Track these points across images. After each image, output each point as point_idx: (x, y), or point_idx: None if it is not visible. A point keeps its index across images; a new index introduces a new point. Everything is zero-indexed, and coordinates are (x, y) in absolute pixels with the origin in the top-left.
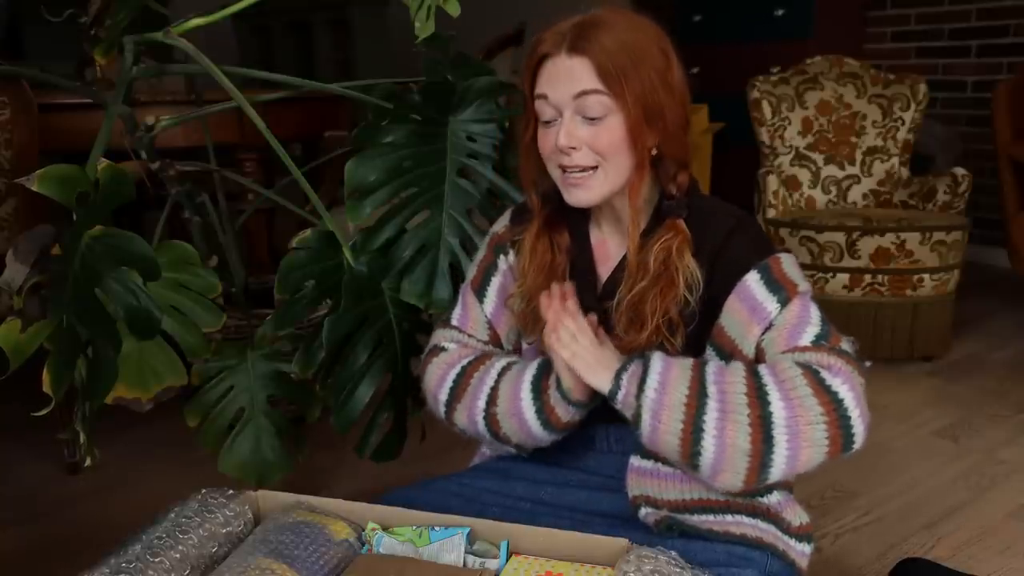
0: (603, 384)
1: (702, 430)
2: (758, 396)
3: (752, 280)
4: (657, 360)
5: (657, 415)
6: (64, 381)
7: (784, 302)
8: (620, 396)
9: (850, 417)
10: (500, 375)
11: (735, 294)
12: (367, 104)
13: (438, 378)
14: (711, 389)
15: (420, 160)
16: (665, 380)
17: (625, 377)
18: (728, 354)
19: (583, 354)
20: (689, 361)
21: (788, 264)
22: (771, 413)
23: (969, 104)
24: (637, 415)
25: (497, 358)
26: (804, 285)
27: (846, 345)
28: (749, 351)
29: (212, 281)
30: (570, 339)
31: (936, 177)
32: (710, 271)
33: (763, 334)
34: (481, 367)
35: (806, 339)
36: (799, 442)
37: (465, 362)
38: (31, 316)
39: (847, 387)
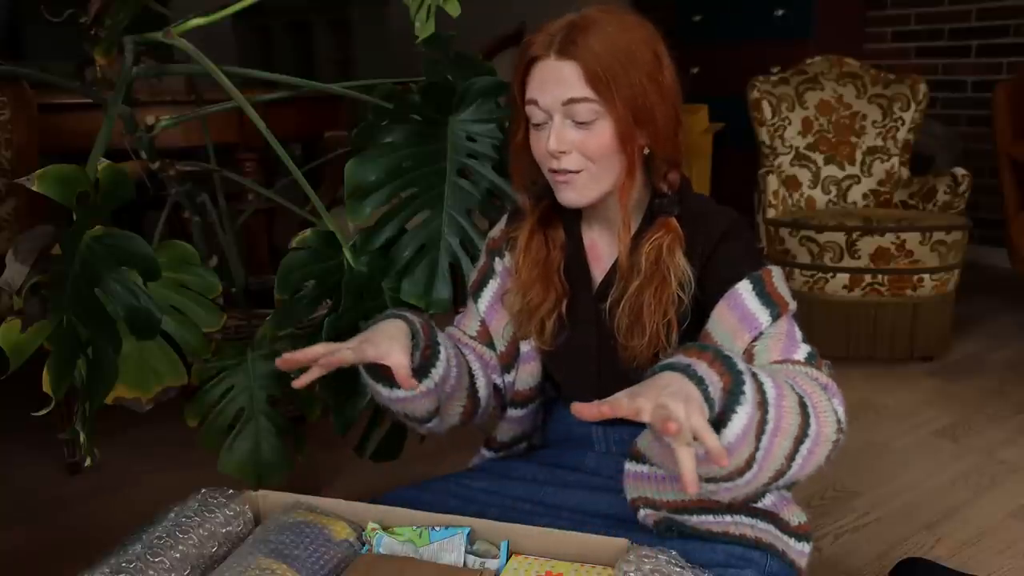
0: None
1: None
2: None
3: (744, 289)
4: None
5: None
6: (64, 381)
7: (776, 317)
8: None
9: (840, 440)
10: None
11: (724, 301)
12: (367, 104)
13: None
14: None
15: (420, 160)
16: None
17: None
18: None
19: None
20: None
21: (778, 279)
22: (809, 425)
23: (969, 104)
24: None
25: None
26: (792, 304)
27: (826, 370)
28: None
29: (212, 281)
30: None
31: (936, 177)
32: (701, 272)
33: (753, 341)
34: None
35: (800, 355)
36: (815, 456)
37: None
38: (31, 316)
39: (842, 409)
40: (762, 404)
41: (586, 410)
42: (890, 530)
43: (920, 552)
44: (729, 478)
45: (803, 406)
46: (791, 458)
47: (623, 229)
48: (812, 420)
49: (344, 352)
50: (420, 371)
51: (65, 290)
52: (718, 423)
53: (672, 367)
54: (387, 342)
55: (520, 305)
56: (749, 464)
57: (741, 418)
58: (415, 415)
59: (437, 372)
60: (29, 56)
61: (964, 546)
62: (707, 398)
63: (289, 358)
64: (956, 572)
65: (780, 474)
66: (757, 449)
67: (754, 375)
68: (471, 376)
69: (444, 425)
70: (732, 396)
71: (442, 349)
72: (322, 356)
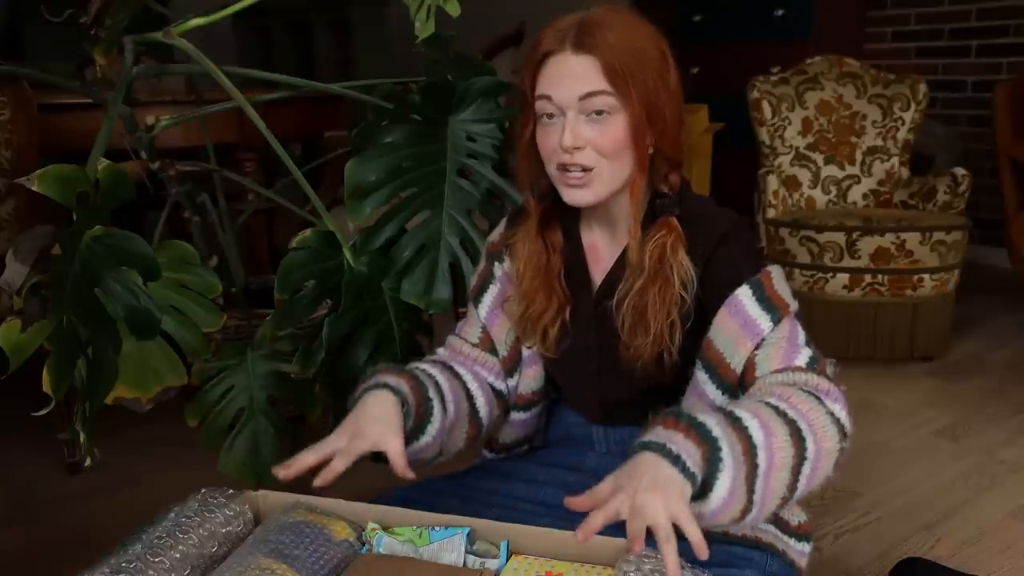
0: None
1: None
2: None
3: (744, 295)
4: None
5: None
6: (64, 381)
7: (777, 321)
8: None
9: (845, 447)
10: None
11: (726, 308)
12: (367, 104)
13: None
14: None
15: (420, 160)
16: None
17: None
18: (715, 368)
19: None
20: (743, 468)
21: (778, 280)
22: (806, 448)
23: (969, 104)
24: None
25: (394, 374)
26: (794, 304)
27: (830, 370)
28: (737, 366)
29: (212, 281)
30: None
31: (936, 177)
32: (702, 273)
33: (756, 349)
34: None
35: (801, 360)
36: (819, 472)
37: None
38: (31, 316)
39: (845, 413)
40: (748, 452)
41: (576, 503)
42: (890, 530)
43: (920, 552)
44: (733, 522)
45: (796, 433)
46: (792, 487)
47: (634, 225)
48: (808, 443)
49: (336, 464)
50: (415, 432)
51: (65, 290)
52: (704, 490)
53: (649, 446)
54: (378, 429)
55: (522, 313)
56: (748, 509)
57: (724, 483)
58: (420, 462)
59: (433, 427)
60: (29, 56)
61: (964, 546)
62: (688, 473)
63: (286, 474)
64: (956, 572)
65: (786, 500)
66: (753, 494)
67: (735, 425)
68: (470, 399)
69: (449, 455)
70: (711, 464)
71: (435, 403)
72: (314, 463)
